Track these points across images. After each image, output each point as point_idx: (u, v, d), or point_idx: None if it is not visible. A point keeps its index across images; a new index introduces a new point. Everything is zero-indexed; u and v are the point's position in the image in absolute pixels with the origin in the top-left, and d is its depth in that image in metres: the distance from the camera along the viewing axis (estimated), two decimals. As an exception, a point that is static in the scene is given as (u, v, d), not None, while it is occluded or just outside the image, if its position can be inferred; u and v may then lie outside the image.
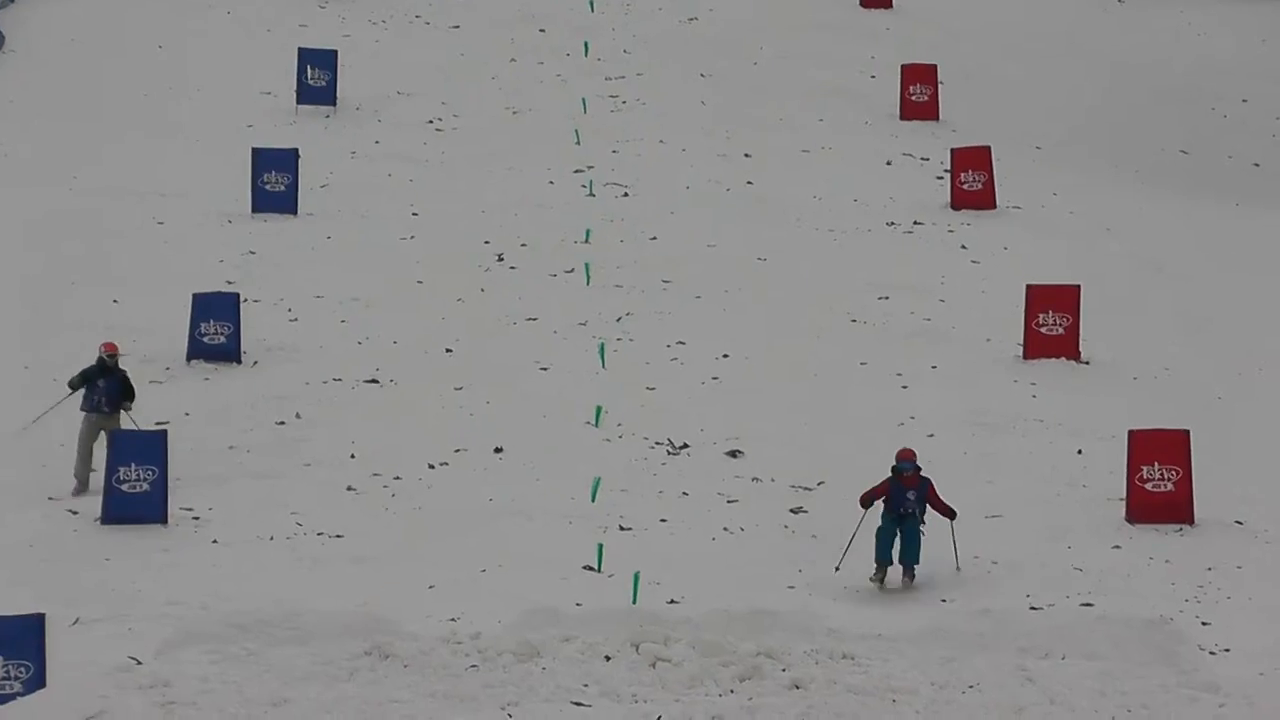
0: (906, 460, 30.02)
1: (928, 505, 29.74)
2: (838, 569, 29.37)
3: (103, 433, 33.08)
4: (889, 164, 49.82)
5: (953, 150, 48.26)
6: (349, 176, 48.22)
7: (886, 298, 41.60)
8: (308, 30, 57.66)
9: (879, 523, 29.69)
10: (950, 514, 29.86)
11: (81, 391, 33.48)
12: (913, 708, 23.07)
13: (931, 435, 35.66)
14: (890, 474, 29.98)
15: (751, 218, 46.13)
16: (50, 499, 32.71)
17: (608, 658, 24.19)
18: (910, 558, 29.60)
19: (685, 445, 35.12)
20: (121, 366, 33.72)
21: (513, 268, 43.18)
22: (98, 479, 32.46)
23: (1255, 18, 64.48)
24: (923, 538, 29.60)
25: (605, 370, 38.11)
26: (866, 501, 29.90)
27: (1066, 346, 38.67)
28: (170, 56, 56.47)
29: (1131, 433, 33.02)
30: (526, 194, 47.06)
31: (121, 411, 33.51)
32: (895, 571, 29.48)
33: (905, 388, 37.51)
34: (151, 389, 36.59)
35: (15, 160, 49.07)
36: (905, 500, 29.65)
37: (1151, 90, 57.25)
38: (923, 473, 29.95)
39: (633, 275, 42.57)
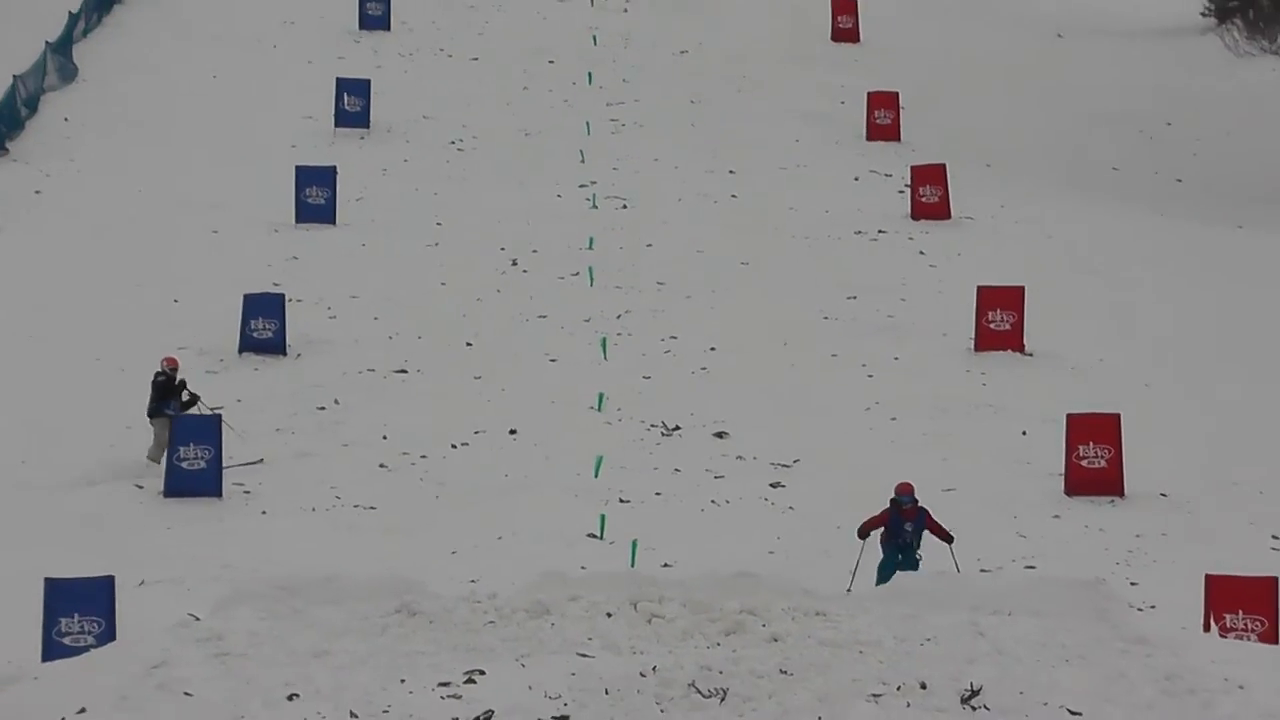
0: (905, 494, 28.47)
1: (925, 532, 28.42)
2: (849, 591, 26.60)
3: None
4: (856, 179, 49.82)
5: (912, 167, 48.27)
6: (381, 191, 48.21)
7: (854, 297, 41.62)
8: (345, 62, 57.65)
9: (881, 556, 28.27)
10: (948, 539, 28.45)
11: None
12: (876, 658, 23.07)
13: (894, 419, 35.72)
14: (889, 505, 28.45)
15: (735, 227, 46.13)
16: (121, 479, 32.71)
17: (609, 614, 24.19)
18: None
19: (677, 428, 35.13)
20: (183, 379, 33.85)
21: (525, 271, 43.18)
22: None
23: (1175, 52, 64.55)
24: (921, 566, 28.11)
25: (606, 361, 38.14)
26: (864, 532, 28.44)
27: (1012, 340, 38.69)
28: (224, 85, 56.45)
29: (1069, 416, 33.09)
30: (537, 206, 47.06)
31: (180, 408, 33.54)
32: None
33: (871, 377, 37.52)
34: (208, 378, 36.61)
35: (88, 175, 49.05)
36: (903, 531, 28.26)
37: (1087, 114, 57.24)
38: (920, 504, 28.51)
39: (631, 278, 42.59)
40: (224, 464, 32.58)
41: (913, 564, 28.09)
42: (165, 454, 32.71)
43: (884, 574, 27.51)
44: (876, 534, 28.44)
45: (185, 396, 33.51)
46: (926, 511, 28.43)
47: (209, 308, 39.62)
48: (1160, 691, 22.29)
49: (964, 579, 26.86)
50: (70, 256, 43.37)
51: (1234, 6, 66.22)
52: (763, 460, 33.79)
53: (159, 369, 33.66)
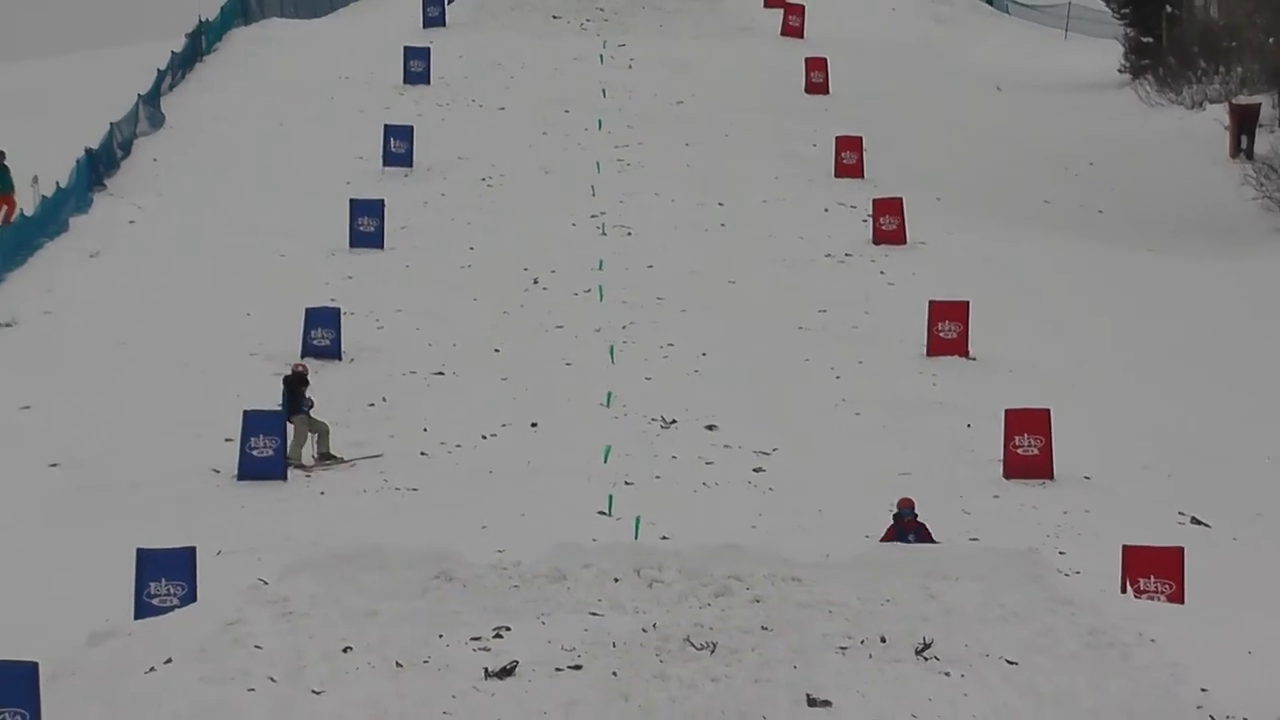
0: (906, 507, 27.82)
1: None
2: None
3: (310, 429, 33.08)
4: (826, 210, 49.80)
5: (874, 200, 48.23)
6: (422, 220, 48.21)
7: (824, 311, 41.63)
8: (391, 111, 57.65)
9: None
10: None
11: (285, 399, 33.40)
12: (843, 616, 23.08)
13: (858, 413, 35.72)
14: (893, 520, 27.82)
15: (724, 251, 46.14)
16: (202, 465, 32.70)
17: (616, 580, 24.21)
18: None
19: (674, 421, 35.14)
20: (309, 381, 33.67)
21: (545, 288, 43.19)
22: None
23: (1097, 102, 64.54)
24: None
25: (614, 365, 38.15)
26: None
27: (959, 347, 38.70)
28: (289, 130, 56.47)
29: (1007, 411, 33.10)
30: (555, 233, 47.07)
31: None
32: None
33: (838, 378, 37.54)
34: (274, 380, 36.58)
35: (173, 207, 49.07)
36: (907, 541, 27.06)
37: (1022, 155, 57.27)
38: (918, 517, 27.73)
39: (635, 294, 42.59)
40: (349, 457, 32.63)
41: None
42: (302, 449, 32.64)
43: None
44: None
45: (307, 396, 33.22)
46: (924, 525, 27.66)
47: (276, 319, 39.63)
48: (1084, 645, 22.33)
49: (918, 548, 26.87)
50: (158, 276, 43.39)
51: (1146, 65, 66.50)
52: (746, 449, 33.81)
53: (289, 373, 33.56)
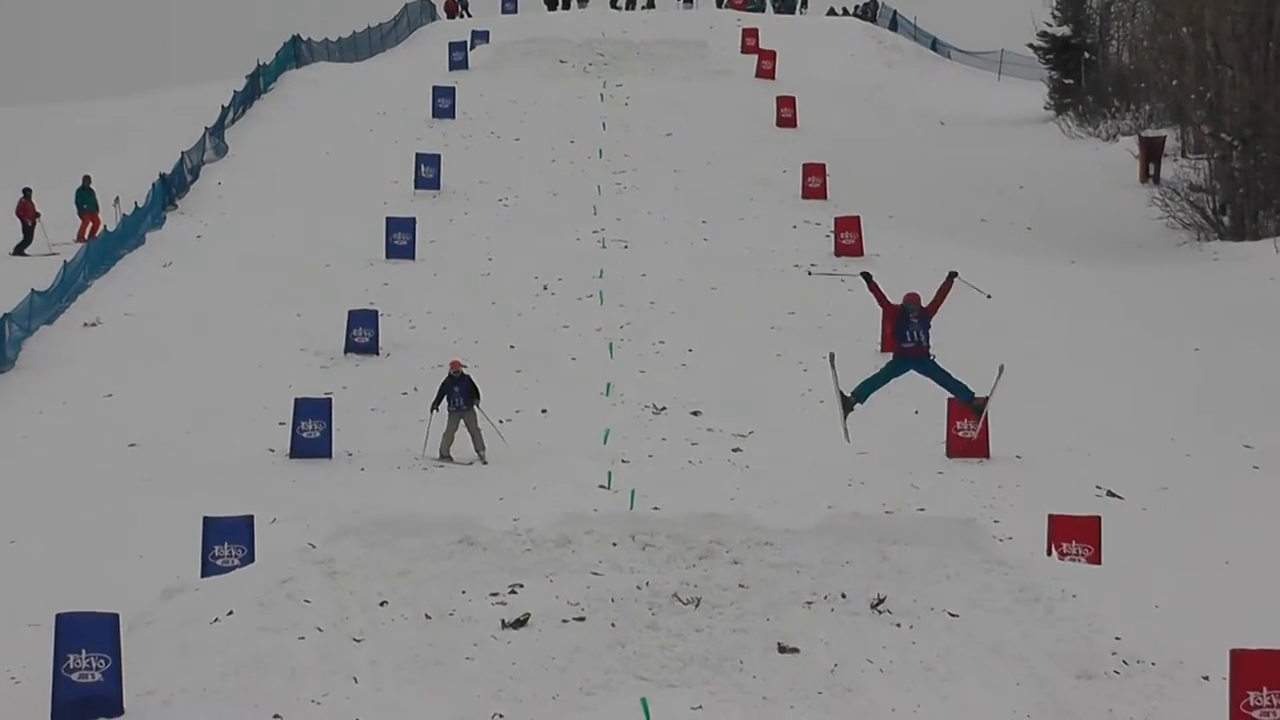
0: (912, 303, 23.79)
1: (931, 319, 23.63)
2: (846, 438, 24.04)
3: (462, 422, 32.06)
4: (794, 227, 49.75)
5: (835, 218, 48.18)
6: (448, 235, 48.14)
7: (793, 313, 41.56)
8: (421, 141, 57.62)
9: (890, 360, 23.71)
10: (950, 276, 23.74)
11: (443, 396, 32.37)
12: (809, 576, 23.04)
13: (821, 401, 35.45)
14: (899, 309, 23.67)
15: (707, 262, 46.06)
16: (260, 445, 32.63)
17: (614, 544, 24.16)
18: (965, 396, 23.28)
19: (664, 407, 35.08)
20: (466, 374, 32.58)
21: (553, 294, 43.11)
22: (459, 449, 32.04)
23: (1025, 134, 64.59)
24: (950, 373, 23.18)
25: (613, 360, 38.08)
26: (872, 283, 23.72)
27: (908, 344, 38.62)
28: (334, 158, 56.44)
29: (949, 400, 32.96)
30: (561, 247, 46.99)
31: (476, 407, 32.21)
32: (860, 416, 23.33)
33: (805, 370, 37.41)
34: (321, 372, 36.61)
35: (235, 225, 49.04)
36: (910, 324, 23.47)
37: (962, 180, 57.25)
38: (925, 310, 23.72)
39: (630, 299, 42.51)
40: (482, 424, 31.90)
41: (940, 370, 23.32)
42: (450, 443, 31.82)
43: (876, 380, 23.49)
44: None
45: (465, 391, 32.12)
46: (929, 319, 23.83)
47: (322, 320, 39.56)
48: (1015, 600, 22.31)
49: (873, 517, 26.78)
50: (222, 283, 43.33)
51: (1067, 103, 66.64)
52: (726, 431, 33.75)
53: (449, 371, 32.56)
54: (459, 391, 32.15)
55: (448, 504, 28.25)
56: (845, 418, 22.93)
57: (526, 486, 30.29)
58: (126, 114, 63.41)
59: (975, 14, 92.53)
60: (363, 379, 36.46)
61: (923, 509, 28.91)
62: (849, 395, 23.18)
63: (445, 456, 32.01)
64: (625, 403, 35.29)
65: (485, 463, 31.68)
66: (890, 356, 23.62)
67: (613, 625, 21.37)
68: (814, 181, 53.47)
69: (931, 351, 23.25)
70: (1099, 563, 25.51)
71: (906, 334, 22.99)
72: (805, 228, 49.58)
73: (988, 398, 22.42)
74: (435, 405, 32.30)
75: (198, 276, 43.98)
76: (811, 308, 41.93)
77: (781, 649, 20.91)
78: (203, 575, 24.56)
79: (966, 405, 22.89)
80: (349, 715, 18.96)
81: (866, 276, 23.37)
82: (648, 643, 20.96)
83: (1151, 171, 56.77)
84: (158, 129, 59.07)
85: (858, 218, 47.53)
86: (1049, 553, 25.70)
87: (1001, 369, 22.92)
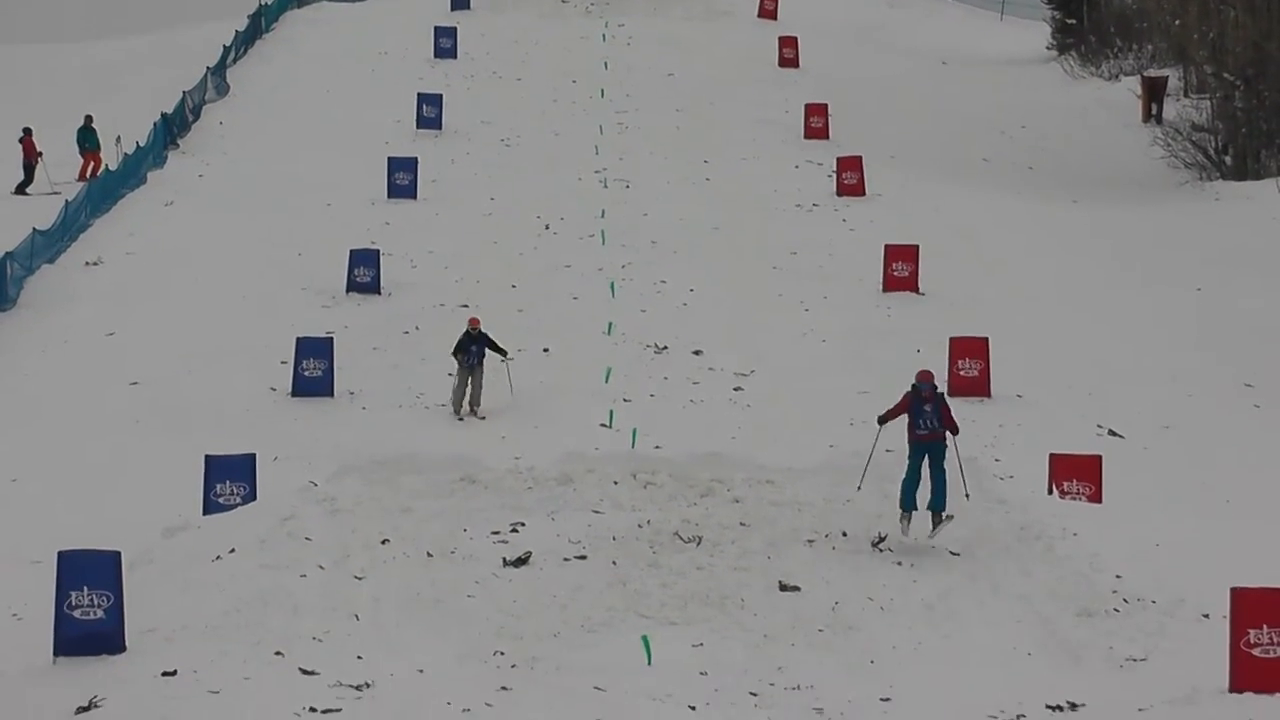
0: (925, 381, 22.44)
1: (945, 404, 22.54)
2: (859, 488, 22.98)
3: (470, 378, 31.21)
4: (796, 167, 49.54)
5: (837, 158, 47.99)
6: (450, 175, 47.95)
7: (795, 253, 41.42)
8: (423, 81, 57.35)
9: (906, 468, 22.36)
10: (954, 429, 22.41)
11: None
12: (811, 513, 23.04)
13: (823, 341, 35.58)
14: (909, 391, 22.54)
15: (708, 201, 45.91)
16: (261, 384, 32.58)
17: (616, 482, 24.13)
18: (938, 504, 22.06)
19: (665, 347, 34.99)
20: (484, 332, 31.61)
21: (555, 233, 42.97)
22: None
23: (1028, 75, 64.35)
24: (947, 477, 22.10)
25: (614, 299, 37.96)
26: (884, 419, 22.72)
27: (910, 284, 38.52)
28: (336, 98, 56.23)
29: (951, 339, 33.00)
30: (563, 186, 46.82)
31: (503, 362, 31.47)
32: (919, 518, 22.29)
33: (807, 310, 37.37)
34: (323, 311, 36.52)
35: (237, 164, 48.86)
36: (924, 413, 22.18)
37: (964, 120, 57.06)
38: (939, 391, 22.72)
39: (632, 238, 42.37)
40: (494, 377, 31.24)
41: (941, 474, 22.09)
42: (463, 398, 31.05)
43: (908, 488, 22.21)
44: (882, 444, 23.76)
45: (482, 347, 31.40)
46: (944, 398, 22.68)
47: (324, 259, 39.41)
48: (1015, 538, 22.30)
49: (875, 455, 26.66)
50: (223, 222, 43.17)
51: (1070, 43, 66.40)
52: (727, 371, 33.67)
53: (466, 328, 31.66)
54: (475, 350, 31.61)
55: (449, 443, 28.22)
56: (907, 527, 22.23)
57: (528, 425, 30.23)
58: (128, 53, 63.18)
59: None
60: (364, 318, 36.37)
61: (924, 448, 28.80)
62: (902, 512, 22.18)
63: (457, 410, 31.33)
64: (627, 342, 35.21)
65: (481, 418, 31.16)
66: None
67: (614, 563, 21.34)
68: (816, 121, 53.27)
69: (946, 438, 22.30)
70: (1100, 501, 25.49)
71: (921, 422, 22.34)
72: (807, 168, 49.40)
73: (948, 520, 22.23)
74: (456, 353, 31.46)
75: (199, 216, 43.83)
76: (813, 248, 41.79)
77: (783, 587, 20.89)
78: (204, 513, 24.55)
79: (934, 511, 21.99)
80: (350, 652, 18.95)
81: (882, 422, 22.77)
82: (649, 581, 20.94)
83: (1154, 111, 56.59)
84: (159, 68, 58.86)
85: (860, 157, 47.37)
86: (1050, 491, 25.67)
87: (950, 518, 22.48)
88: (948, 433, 22.34)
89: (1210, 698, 17.76)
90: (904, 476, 22.22)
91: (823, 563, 21.53)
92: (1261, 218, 44.86)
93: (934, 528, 21.97)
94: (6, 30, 70.23)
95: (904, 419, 22.53)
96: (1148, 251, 42.35)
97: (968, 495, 22.30)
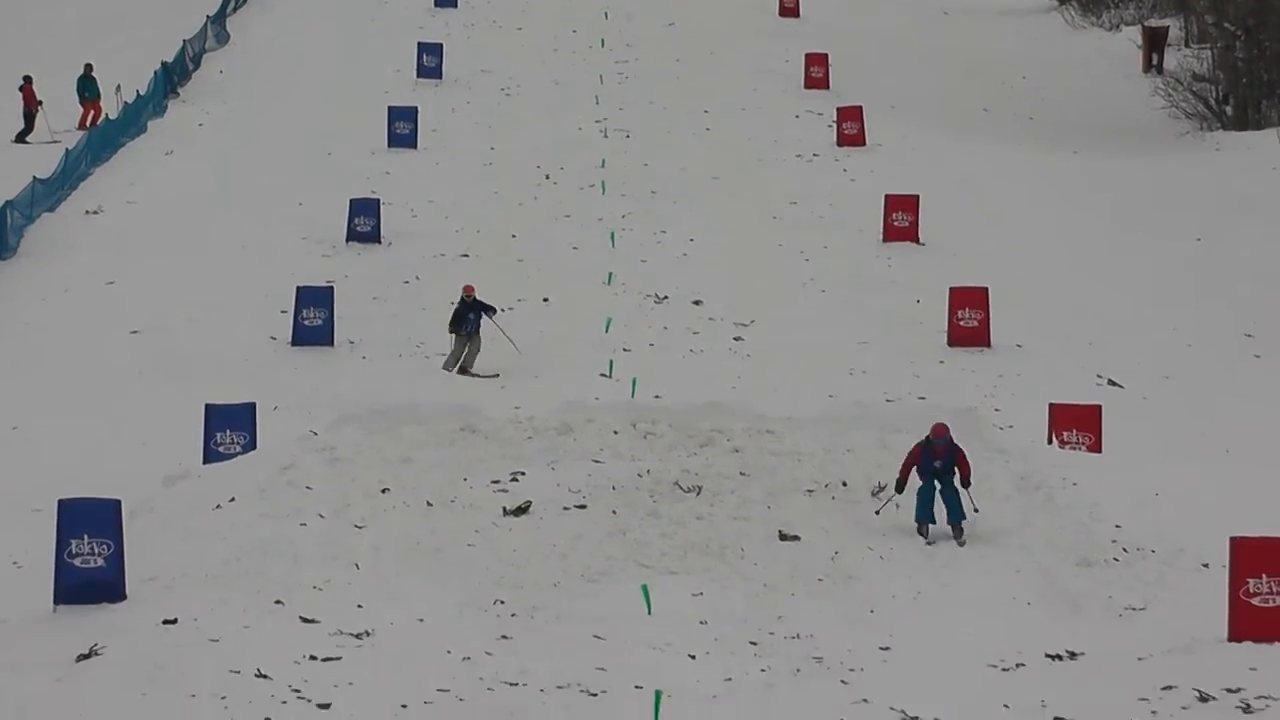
0: (940, 436, 21.42)
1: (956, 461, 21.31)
2: (878, 513, 21.41)
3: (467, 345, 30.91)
4: (797, 117, 49.37)
5: (838, 108, 47.84)
6: (450, 124, 47.79)
7: (795, 203, 41.32)
8: (424, 30, 57.08)
9: (919, 484, 21.25)
10: (966, 483, 21.24)
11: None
12: (810, 464, 23.01)
13: (823, 291, 35.52)
14: (921, 443, 21.52)
15: (708, 152, 45.77)
16: (260, 333, 32.53)
17: (616, 432, 24.09)
18: (955, 518, 21.11)
19: (666, 297, 34.93)
20: (479, 299, 31.12)
21: (555, 183, 42.85)
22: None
23: (1029, 25, 64.00)
24: (961, 494, 21.21)
25: (614, 249, 37.88)
26: (902, 483, 21.36)
27: (910, 234, 38.44)
28: (336, 46, 55.99)
29: (951, 289, 32.93)
30: (564, 136, 46.66)
31: (493, 320, 31.05)
32: (937, 529, 21.28)
33: (807, 260, 37.30)
34: (323, 260, 36.45)
35: (236, 112, 48.69)
36: (932, 468, 21.24)
37: (965, 70, 56.82)
38: (954, 444, 21.45)
39: (632, 188, 42.25)
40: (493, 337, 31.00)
41: (953, 493, 21.23)
42: (457, 362, 30.80)
43: (921, 501, 21.29)
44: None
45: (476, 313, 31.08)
46: (960, 450, 21.41)
47: (324, 209, 39.30)
48: (1015, 488, 22.30)
49: (874, 405, 26.71)
50: (223, 171, 43.06)
51: (1071, -8, 66.14)
52: (727, 321, 33.62)
53: (461, 296, 31.26)
54: (472, 319, 31.19)
55: (450, 392, 28.19)
56: (927, 536, 21.62)
57: (528, 375, 30.20)
58: (128, 1, 62.91)
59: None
60: (364, 267, 36.29)
61: (924, 398, 28.80)
62: (919, 524, 21.24)
63: (451, 370, 30.87)
64: (627, 292, 35.14)
65: (474, 375, 30.63)
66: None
67: (614, 513, 21.32)
68: (817, 71, 53.08)
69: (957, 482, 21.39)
70: (1099, 451, 25.46)
71: (927, 473, 21.40)
72: (808, 117, 49.24)
73: (963, 534, 21.58)
74: (451, 328, 31.14)
75: (199, 165, 43.71)
76: (813, 197, 41.69)
77: (782, 536, 20.88)
78: (204, 462, 24.51)
79: (953, 524, 21.12)
80: (350, 601, 18.93)
81: (900, 487, 21.48)
82: (649, 530, 20.93)
83: (1155, 61, 56.38)
84: (159, 17, 58.57)
85: (860, 108, 47.22)
86: (1049, 441, 25.64)
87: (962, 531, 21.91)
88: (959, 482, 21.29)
89: (1209, 646, 17.75)
90: (919, 487, 21.21)
91: (822, 512, 21.51)
92: (1262, 168, 44.75)
93: (957, 536, 21.05)
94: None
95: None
96: (1148, 202, 42.24)
97: (976, 509, 21.22)
